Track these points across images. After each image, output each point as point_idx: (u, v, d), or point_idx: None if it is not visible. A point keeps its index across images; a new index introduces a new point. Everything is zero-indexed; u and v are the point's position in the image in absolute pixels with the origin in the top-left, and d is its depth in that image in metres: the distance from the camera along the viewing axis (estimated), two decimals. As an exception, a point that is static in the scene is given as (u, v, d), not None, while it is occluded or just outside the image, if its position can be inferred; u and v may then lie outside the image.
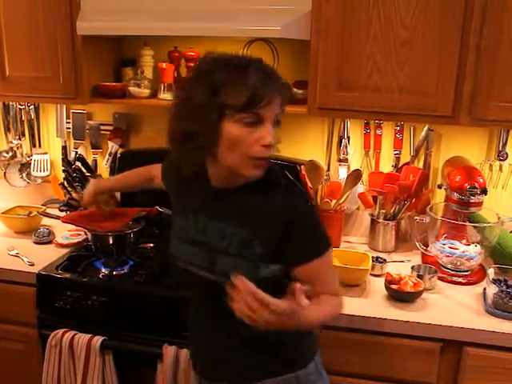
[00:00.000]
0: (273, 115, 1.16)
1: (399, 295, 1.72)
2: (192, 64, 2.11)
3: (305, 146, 2.23)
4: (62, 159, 2.36)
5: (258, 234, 1.23)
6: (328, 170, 2.20)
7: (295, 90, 2.04)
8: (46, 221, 2.29)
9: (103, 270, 1.91)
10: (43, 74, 2.06)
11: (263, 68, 1.19)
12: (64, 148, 2.50)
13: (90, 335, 1.77)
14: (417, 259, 2.01)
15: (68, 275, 1.88)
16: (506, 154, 2.04)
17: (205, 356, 1.41)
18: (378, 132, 2.14)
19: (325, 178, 2.10)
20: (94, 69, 2.10)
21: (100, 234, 1.93)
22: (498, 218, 1.86)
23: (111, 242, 1.93)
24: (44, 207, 2.41)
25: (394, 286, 1.73)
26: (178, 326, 1.70)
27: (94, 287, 1.83)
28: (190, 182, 1.33)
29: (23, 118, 2.52)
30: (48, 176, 2.55)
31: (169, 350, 1.68)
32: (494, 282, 1.71)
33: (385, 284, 1.76)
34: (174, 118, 1.24)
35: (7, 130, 2.57)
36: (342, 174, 2.18)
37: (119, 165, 2.37)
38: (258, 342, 1.28)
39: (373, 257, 1.90)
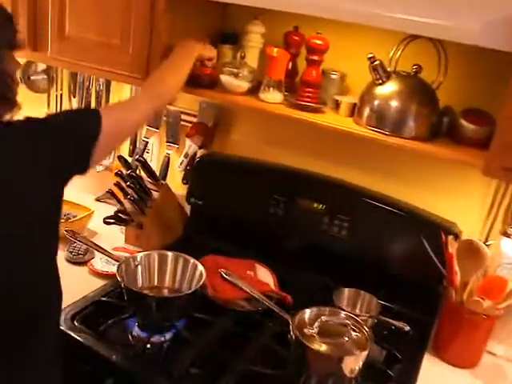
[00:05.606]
0: None
1: None
2: (316, 57, 1.43)
3: (453, 201, 1.52)
4: (118, 157, 1.76)
5: None
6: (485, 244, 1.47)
7: (465, 122, 1.32)
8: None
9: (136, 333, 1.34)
10: (108, 39, 1.49)
11: None
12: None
13: None
14: None
15: (84, 337, 1.31)
16: None
17: None
18: None
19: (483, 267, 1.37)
20: (178, 41, 1.44)
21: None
22: None
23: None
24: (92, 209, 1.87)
25: None
26: None
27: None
28: None
29: (91, 87, 2.00)
30: (110, 164, 2.03)
31: None
32: None
33: None
34: None
35: (72, 95, 2.06)
36: (507, 253, 1.44)
37: (195, 171, 1.78)
38: None
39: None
